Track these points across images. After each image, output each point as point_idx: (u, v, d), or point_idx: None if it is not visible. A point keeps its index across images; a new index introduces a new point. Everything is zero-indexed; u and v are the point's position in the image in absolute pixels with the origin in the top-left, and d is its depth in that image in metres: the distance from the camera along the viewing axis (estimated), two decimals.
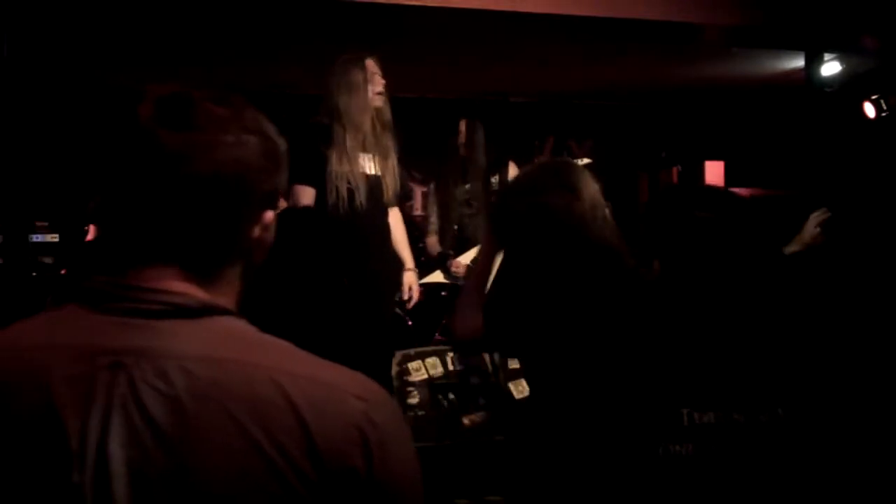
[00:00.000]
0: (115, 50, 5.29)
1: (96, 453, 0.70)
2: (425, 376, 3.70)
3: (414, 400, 3.40)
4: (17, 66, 3.83)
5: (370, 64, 3.15)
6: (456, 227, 4.28)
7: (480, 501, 2.85)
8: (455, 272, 4.06)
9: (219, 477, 0.70)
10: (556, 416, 1.86)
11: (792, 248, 3.09)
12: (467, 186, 4.28)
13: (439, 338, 4.43)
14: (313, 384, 0.76)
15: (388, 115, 3.21)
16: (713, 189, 1.55)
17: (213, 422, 0.71)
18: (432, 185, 4.48)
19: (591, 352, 1.71)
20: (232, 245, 0.82)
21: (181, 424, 0.71)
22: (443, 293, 4.35)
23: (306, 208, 3.04)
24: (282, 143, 0.86)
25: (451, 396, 3.53)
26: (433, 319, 4.45)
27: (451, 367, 3.80)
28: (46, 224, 5.67)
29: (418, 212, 5.58)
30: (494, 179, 4.17)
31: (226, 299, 0.82)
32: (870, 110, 5.39)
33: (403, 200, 3.49)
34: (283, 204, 0.88)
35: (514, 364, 3.34)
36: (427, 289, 3.98)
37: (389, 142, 3.21)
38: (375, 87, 3.13)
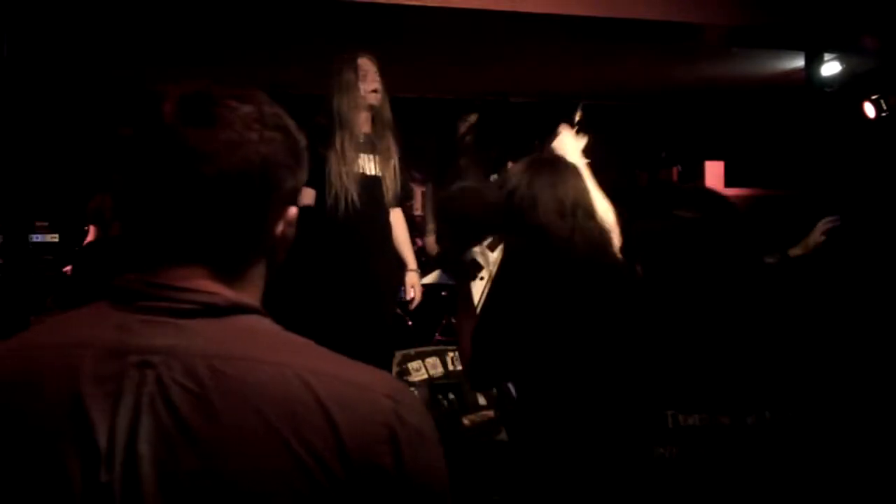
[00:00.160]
0: (115, 50, 5.29)
1: (125, 452, 0.70)
2: (425, 376, 3.71)
3: None
4: (17, 66, 3.83)
5: (363, 62, 3.14)
6: None
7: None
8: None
9: (247, 475, 0.70)
10: (542, 419, 1.86)
11: (796, 252, 3.09)
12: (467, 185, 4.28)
13: (439, 338, 4.43)
14: (342, 383, 0.76)
15: (387, 114, 3.21)
16: (694, 189, 1.50)
17: (242, 420, 0.71)
18: (430, 185, 4.48)
19: (576, 354, 1.71)
20: (258, 243, 0.83)
21: (210, 423, 0.71)
22: (443, 293, 4.35)
23: (306, 208, 3.04)
24: (302, 140, 0.86)
25: (451, 396, 3.53)
26: (433, 319, 4.46)
27: (451, 367, 3.80)
28: (46, 224, 5.68)
29: (418, 212, 5.59)
30: (494, 178, 4.17)
31: (251, 297, 0.83)
32: (870, 110, 5.39)
33: (405, 200, 3.47)
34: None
35: None
36: (427, 289, 3.98)
37: (390, 142, 3.21)
38: (368, 85, 3.12)
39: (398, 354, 3.74)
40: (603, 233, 2.09)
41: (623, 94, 6.73)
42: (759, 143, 6.23)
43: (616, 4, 4.03)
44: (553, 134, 2.36)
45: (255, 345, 0.77)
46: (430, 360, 3.79)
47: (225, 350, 0.75)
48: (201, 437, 0.70)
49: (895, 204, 4.07)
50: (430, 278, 4.16)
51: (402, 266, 3.40)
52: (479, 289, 3.08)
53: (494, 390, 3.11)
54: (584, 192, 2.14)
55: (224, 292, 0.79)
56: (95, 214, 4.26)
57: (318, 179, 3.06)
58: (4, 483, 0.70)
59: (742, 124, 6.49)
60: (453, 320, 3.67)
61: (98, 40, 5.04)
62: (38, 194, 5.47)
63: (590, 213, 2.09)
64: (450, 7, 3.82)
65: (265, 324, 0.81)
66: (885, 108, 5.28)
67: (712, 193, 1.43)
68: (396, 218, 3.36)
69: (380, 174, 3.19)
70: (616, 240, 2.10)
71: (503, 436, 3.17)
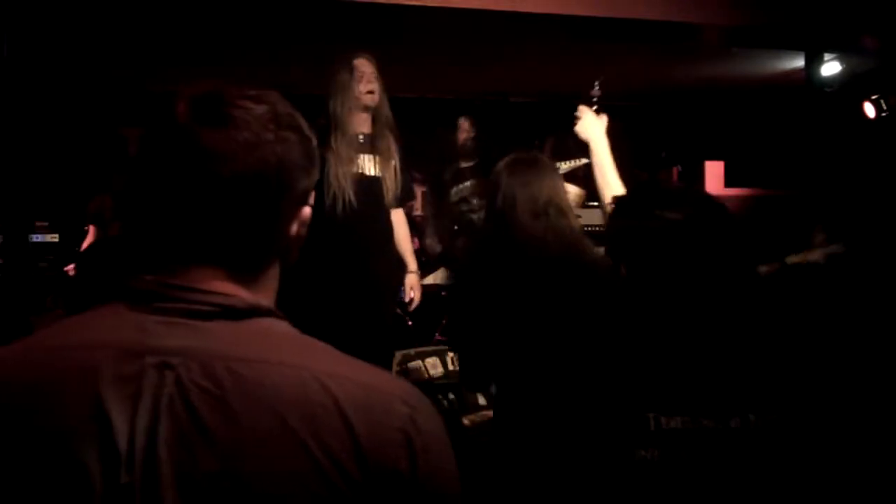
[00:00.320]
0: (115, 50, 5.29)
1: (144, 453, 0.70)
2: (425, 376, 3.71)
3: None
4: (17, 66, 3.83)
5: (360, 63, 3.13)
6: (456, 227, 4.29)
7: None
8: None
9: (265, 478, 0.70)
10: (522, 420, 1.86)
11: (794, 260, 3.10)
12: (466, 184, 4.29)
13: (439, 338, 4.44)
14: (360, 387, 0.76)
15: (387, 115, 3.20)
16: (678, 189, 1.46)
17: (261, 423, 0.71)
18: (430, 186, 4.49)
19: (551, 353, 1.70)
20: (273, 243, 0.83)
21: (228, 425, 0.71)
22: (443, 293, 4.35)
23: None
24: (314, 139, 0.86)
25: (451, 396, 3.53)
26: (433, 319, 4.46)
27: (451, 367, 3.81)
28: (46, 224, 5.68)
29: (418, 212, 5.59)
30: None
31: (267, 298, 0.83)
32: (870, 110, 5.39)
33: (406, 201, 3.47)
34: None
35: None
36: (427, 289, 3.99)
37: (390, 142, 3.20)
38: (364, 86, 3.11)
39: (398, 354, 3.74)
40: (575, 231, 2.09)
41: (623, 94, 6.73)
42: (759, 143, 6.23)
43: (616, 4, 4.03)
44: (573, 117, 2.30)
45: (273, 347, 0.77)
46: (430, 360, 3.79)
47: (243, 352, 0.75)
48: (220, 439, 0.70)
49: (895, 204, 4.07)
50: (431, 279, 4.16)
51: (402, 267, 3.39)
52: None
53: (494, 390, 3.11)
54: (558, 190, 2.14)
55: (241, 294, 0.79)
56: (95, 215, 4.27)
57: (318, 180, 3.06)
58: (26, 484, 0.70)
59: (742, 124, 6.49)
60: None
61: (98, 40, 5.04)
62: (38, 194, 5.47)
63: (563, 211, 2.09)
64: (450, 7, 3.82)
65: (282, 326, 0.81)
66: (885, 108, 5.28)
67: (698, 194, 1.40)
68: (397, 219, 3.35)
69: (380, 174, 3.19)
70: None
71: None
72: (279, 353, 0.76)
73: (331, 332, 0.82)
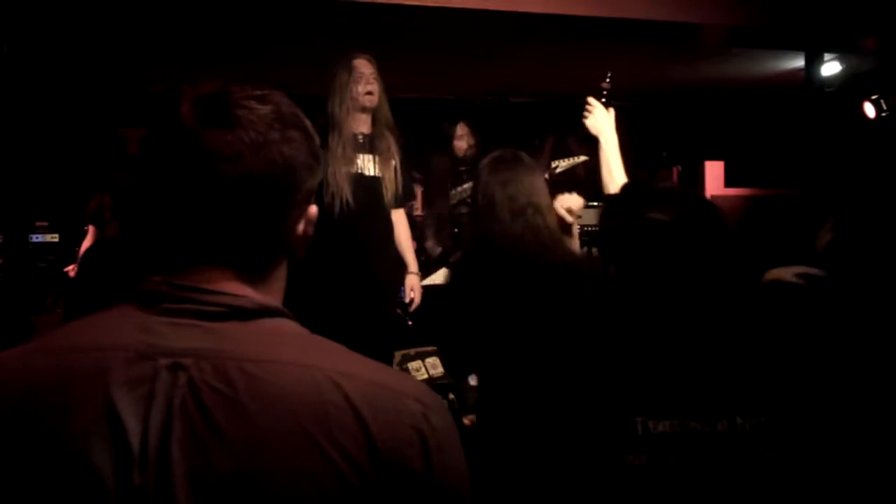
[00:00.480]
0: (114, 50, 5.29)
1: (157, 454, 0.70)
2: (425, 376, 3.71)
3: None
4: (17, 66, 3.83)
5: (359, 63, 3.13)
6: (456, 229, 4.29)
7: None
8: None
9: (279, 478, 0.70)
10: (503, 423, 1.85)
11: (772, 276, 3.09)
12: (465, 187, 4.29)
13: None
14: (372, 386, 0.76)
15: (387, 115, 3.20)
16: (669, 190, 1.42)
17: (274, 423, 0.71)
18: (428, 186, 4.50)
19: (530, 353, 1.69)
20: (281, 243, 0.83)
21: (241, 425, 0.71)
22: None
23: None
24: (318, 138, 0.86)
25: (451, 396, 3.53)
26: (433, 319, 4.45)
27: None
28: (46, 224, 5.68)
29: (419, 212, 5.59)
30: None
31: (275, 298, 0.83)
32: (870, 110, 5.39)
33: (406, 201, 3.47)
34: None
35: None
36: (428, 290, 3.98)
37: (390, 143, 3.20)
38: (363, 87, 3.11)
39: (398, 354, 3.74)
40: (552, 231, 2.09)
41: (623, 94, 6.73)
42: (758, 143, 6.23)
43: (616, 4, 4.03)
44: (584, 110, 2.29)
45: (285, 347, 0.77)
46: (430, 360, 3.78)
47: (254, 353, 0.74)
48: (233, 439, 0.70)
49: (895, 204, 4.06)
50: (432, 279, 4.16)
51: (402, 267, 3.39)
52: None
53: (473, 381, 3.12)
54: (538, 189, 2.13)
55: (250, 294, 0.79)
56: (95, 215, 4.26)
57: None
58: (39, 485, 0.70)
59: (742, 124, 6.49)
60: None
61: (98, 41, 5.04)
62: (38, 194, 5.47)
63: (540, 210, 2.09)
64: (450, 7, 3.82)
65: (292, 326, 0.81)
66: (885, 108, 5.28)
67: (689, 195, 1.38)
68: (397, 219, 3.35)
69: (380, 175, 3.19)
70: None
71: None
72: (291, 352, 0.76)
73: (331, 332, 0.82)
